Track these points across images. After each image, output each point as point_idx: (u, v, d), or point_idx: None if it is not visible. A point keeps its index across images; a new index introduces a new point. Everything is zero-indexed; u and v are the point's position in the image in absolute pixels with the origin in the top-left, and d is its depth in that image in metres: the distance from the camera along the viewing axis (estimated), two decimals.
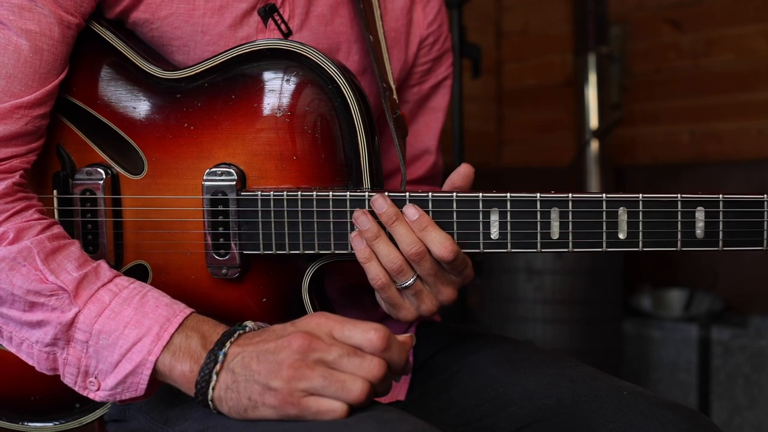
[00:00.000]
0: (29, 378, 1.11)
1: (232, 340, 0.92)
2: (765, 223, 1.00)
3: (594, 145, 3.71)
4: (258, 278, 1.09)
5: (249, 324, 0.95)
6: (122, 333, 0.95)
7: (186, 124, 1.07)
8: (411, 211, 1.01)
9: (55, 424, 1.13)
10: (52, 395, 1.12)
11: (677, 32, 3.85)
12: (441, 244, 0.99)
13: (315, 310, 1.08)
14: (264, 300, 1.09)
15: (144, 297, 0.98)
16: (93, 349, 0.96)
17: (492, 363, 1.16)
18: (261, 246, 1.05)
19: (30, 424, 1.14)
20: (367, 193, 1.02)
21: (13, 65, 1.01)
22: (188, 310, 0.98)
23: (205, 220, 1.06)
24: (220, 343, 0.91)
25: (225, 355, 0.90)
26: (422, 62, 1.35)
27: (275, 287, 1.10)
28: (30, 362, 1.00)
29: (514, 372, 1.12)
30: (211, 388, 0.90)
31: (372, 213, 1.02)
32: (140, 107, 1.09)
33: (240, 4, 1.13)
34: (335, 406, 0.85)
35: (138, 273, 1.10)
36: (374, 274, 1.02)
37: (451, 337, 1.26)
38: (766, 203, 0.99)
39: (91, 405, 1.12)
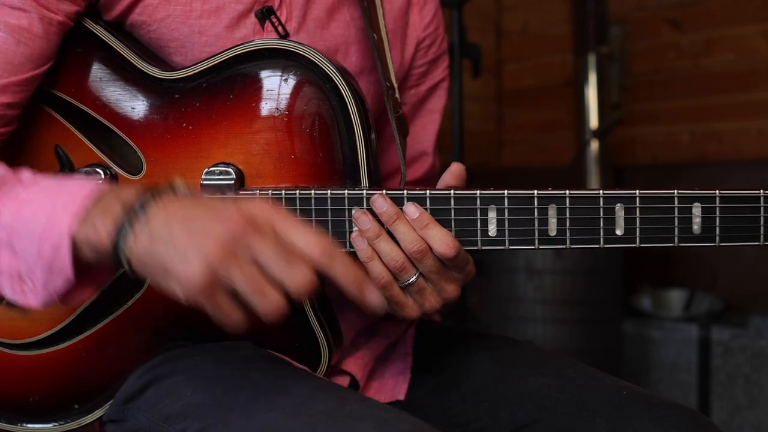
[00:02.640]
0: (28, 379, 1.12)
1: (156, 199, 0.86)
2: (761, 218, 1.00)
3: (594, 145, 3.71)
4: None
5: (180, 185, 0.90)
6: (36, 216, 0.89)
7: (184, 124, 1.07)
8: (411, 209, 1.01)
9: (54, 426, 1.13)
10: (51, 396, 1.12)
11: (677, 32, 3.85)
12: (442, 241, 1.00)
13: (314, 309, 1.09)
14: None
15: (60, 182, 0.93)
16: (18, 246, 0.90)
17: (491, 363, 1.16)
18: None
19: (29, 425, 1.14)
20: (365, 192, 1.02)
21: None
22: (102, 182, 0.93)
23: None
24: (141, 203, 0.85)
25: (145, 212, 0.85)
26: (419, 64, 1.35)
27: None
28: None
29: (514, 372, 1.12)
30: (127, 248, 0.84)
31: (371, 212, 1.02)
32: (139, 107, 1.09)
33: (236, 6, 1.13)
34: (235, 318, 0.81)
35: None
36: (377, 273, 1.02)
37: (451, 337, 1.26)
38: (762, 198, 1.00)
39: (89, 406, 1.12)
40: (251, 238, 0.81)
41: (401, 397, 1.21)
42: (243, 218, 0.82)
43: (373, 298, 0.85)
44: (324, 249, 0.82)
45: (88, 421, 1.13)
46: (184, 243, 0.81)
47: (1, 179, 0.95)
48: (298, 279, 0.81)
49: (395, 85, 1.22)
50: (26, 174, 0.96)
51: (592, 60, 3.73)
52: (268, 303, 0.80)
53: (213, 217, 0.82)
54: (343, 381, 1.19)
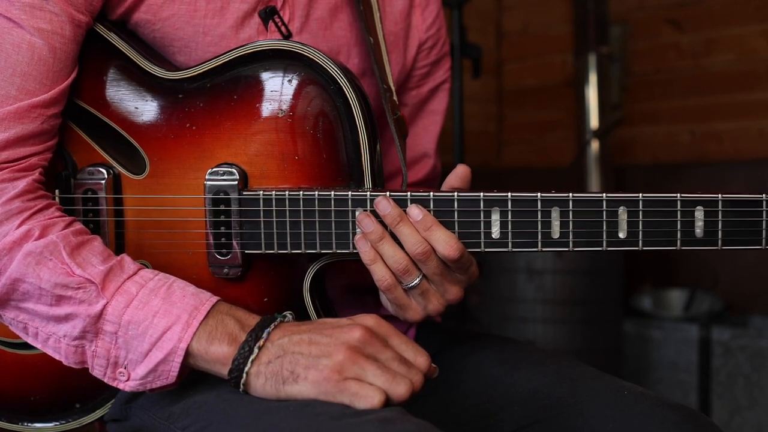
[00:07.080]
0: (29, 378, 1.12)
1: (274, 324, 0.96)
2: (763, 222, 1.00)
3: (594, 145, 3.71)
4: (259, 278, 1.09)
5: (288, 315, 0.99)
6: (151, 322, 0.96)
7: (188, 124, 1.08)
8: (415, 211, 1.01)
9: (55, 425, 1.13)
10: (52, 396, 1.12)
11: (677, 32, 3.85)
12: (446, 243, 1.00)
13: (316, 310, 1.09)
14: (265, 300, 1.09)
15: (170, 287, 1.00)
16: (122, 340, 0.97)
17: (492, 363, 1.16)
18: (263, 245, 1.05)
19: (30, 424, 1.14)
20: (369, 193, 1.03)
21: (28, 63, 1.01)
22: (215, 298, 1.00)
23: (207, 219, 1.06)
24: (261, 326, 0.96)
25: (268, 334, 0.95)
26: (421, 66, 1.36)
27: (276, 287, 1.10)
28: (57, 357, 1.01)
29: (514, 372, 1.13)
30: (250, 361, 0.93)
31: (375, 214, 1.02)
32: (142, 107, 1.09)
33: (241, 6, 1.13)
34: (372, 394, 0.88)
35: None
36: (380, 275, 1.02)
37: (451, 337, 1.26)
38: (764, 203, 1.00)
39: (90, 405, 1.12)
40: (374, 344, 0.92)
41: None
42: (365, 329, 0.93)
43: None
44: (426, 362, 0.95)
45: (89, 421, 1.13)
46: (315, 354, 0.92)
47: (104, 258, 1.01)
48: (413, 373, 0.92)
49: (393, 88, 1.22)
50: (128, 260, 1.02)
51: (592, 60, 3.73)
52: (399, 387, 0.90)
53: (339, 332, 0.93)
54: None
